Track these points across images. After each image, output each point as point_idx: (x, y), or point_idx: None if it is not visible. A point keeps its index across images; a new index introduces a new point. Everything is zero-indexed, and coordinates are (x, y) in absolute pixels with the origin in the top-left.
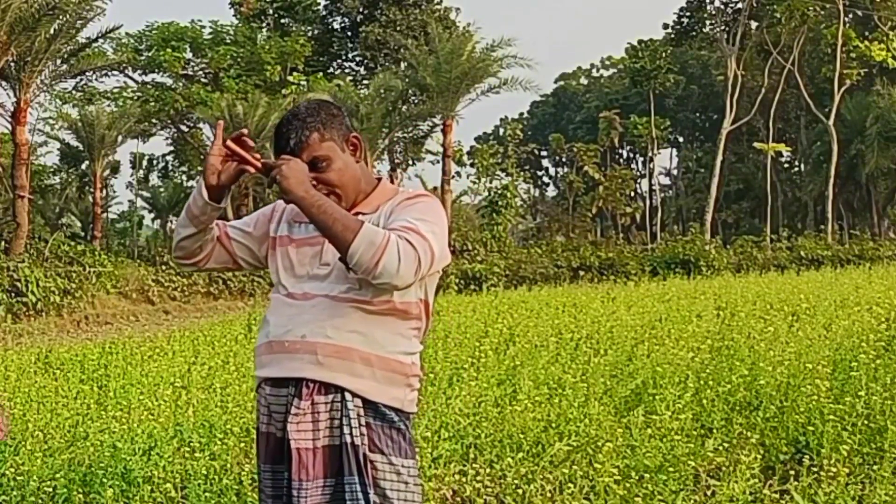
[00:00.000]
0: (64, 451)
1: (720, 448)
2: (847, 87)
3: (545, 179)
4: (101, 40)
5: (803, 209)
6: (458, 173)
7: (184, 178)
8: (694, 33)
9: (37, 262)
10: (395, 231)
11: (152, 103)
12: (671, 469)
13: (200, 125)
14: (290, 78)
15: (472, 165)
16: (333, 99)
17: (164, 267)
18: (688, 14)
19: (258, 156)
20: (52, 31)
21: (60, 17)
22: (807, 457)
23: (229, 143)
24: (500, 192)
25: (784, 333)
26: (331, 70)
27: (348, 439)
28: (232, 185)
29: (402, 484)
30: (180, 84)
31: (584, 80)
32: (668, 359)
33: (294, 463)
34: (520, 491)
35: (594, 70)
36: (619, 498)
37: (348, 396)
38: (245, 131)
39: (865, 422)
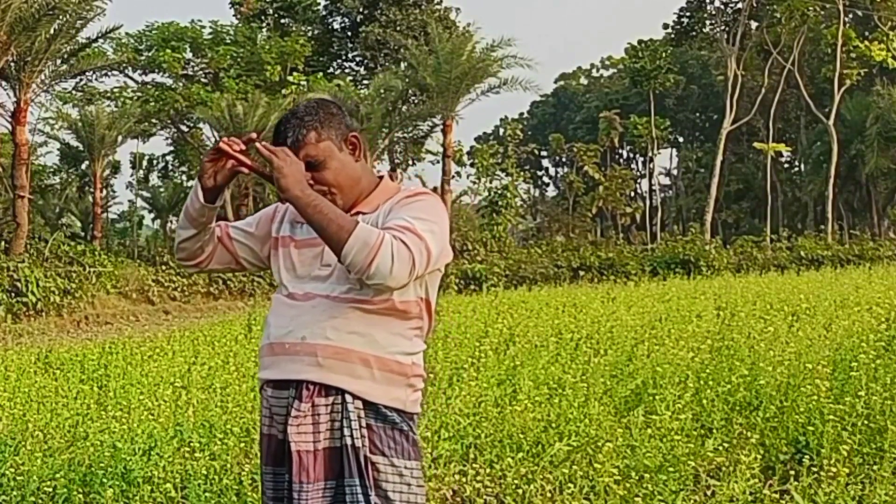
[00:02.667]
0: (64, 451)
1: (720, 448)
2: (847, 87)
3: (545, 179)
4: (101, 40)
5: (803, 209)
6: (458, 173)
7: (184, 178)
8: (694, 33)
9: (37, 262)
10: (391, 230)
11: (152, 103)
12: (671, 469)
13: (200, 125)
14: (290, 78)
15: (472, 165)
16: (333, 99)
17: (164, 267)
18: (688, 14)
19: (249, 157)
20: (52, 31)
21: (60, 17)
22: (807, 457)
23: (222, 144)
24: (500, 192)
25: (784, 333)
26: (331, 70)
27: (349, 441)
28: (227, 185)
29: (404, 486)
30: (180, 84)
31: (584, 80)
32: (668, 359)
33: (294, 465)
34: (520, 491)
35: (594, 70)
36: (619, 498)
37: (349, 398)
38: (254, 135)
39: (865, 422)
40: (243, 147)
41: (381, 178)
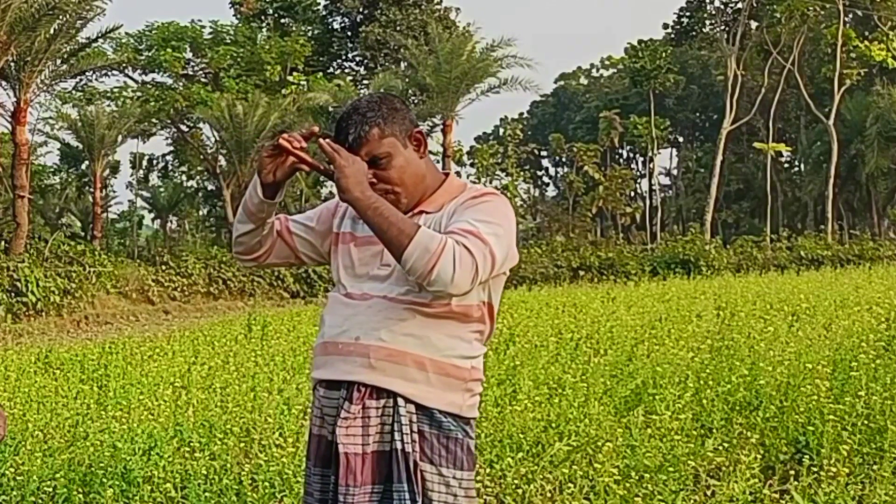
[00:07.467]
0: (64, 451)
1: (720, 448)
2: (847, 87)
3: (545, 179)
4: (101, 40)
5: (803, 209)
6: (458, 173)
7: (184, 178)
8: (694, 33)
9: (37, 262)
10: (454, 234)
11: (152, 103)
12: (671, 469)
13: (200, 125)
14: (290, 78)
15: (472, 165)
16: (333, 99)
17: (164, 267)
18: (688, 14)
19: (309, 153)
20: (52, 31)
21: (60, 17)
22: (807, 457)
23: (282, 141)
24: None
25: (784, 333)
26: (331, 70)
27: (399, 446)
28: (287, 180)
29: (450, 496)
30: (180, 84)
31: (584, 80)
32: (668, 359)
33: (342, 467)
34: (520, 491)
35: (594, 70)
36: (619, 498)
37: (401, 402)
38: (316, 128)
39: (865, 422)
40: (304, 144)
41: (446, 175)
